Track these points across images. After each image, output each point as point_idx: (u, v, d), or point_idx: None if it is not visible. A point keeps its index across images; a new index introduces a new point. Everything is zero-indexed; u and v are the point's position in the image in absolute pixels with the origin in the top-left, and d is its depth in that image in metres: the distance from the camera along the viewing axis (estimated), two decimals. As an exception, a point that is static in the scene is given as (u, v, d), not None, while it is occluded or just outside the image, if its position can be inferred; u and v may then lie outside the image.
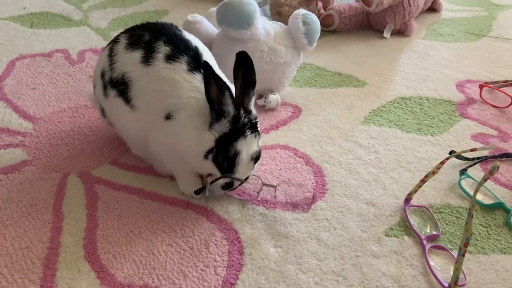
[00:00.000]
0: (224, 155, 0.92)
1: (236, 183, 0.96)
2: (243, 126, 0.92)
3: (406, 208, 1.00)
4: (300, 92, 1.45)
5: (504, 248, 0.92)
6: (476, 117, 1.34)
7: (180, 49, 0.97)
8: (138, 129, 1.02)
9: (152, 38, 0.99)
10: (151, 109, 0.97)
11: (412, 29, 1.83)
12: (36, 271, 0.87)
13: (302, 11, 1.36)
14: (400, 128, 1.28)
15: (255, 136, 0.94)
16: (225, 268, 0.87)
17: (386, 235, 0.95)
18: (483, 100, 1.41)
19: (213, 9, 1.54)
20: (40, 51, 1.67)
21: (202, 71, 0.95)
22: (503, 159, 1.15)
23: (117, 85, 1.00)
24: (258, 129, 0.96)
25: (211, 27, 1.44)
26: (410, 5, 1.79)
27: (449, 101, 1.41)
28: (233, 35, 1.29)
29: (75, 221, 0.97)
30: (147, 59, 0.97)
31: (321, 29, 1.83)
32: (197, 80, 0.95)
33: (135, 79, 0.98)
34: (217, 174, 0.95)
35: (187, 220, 0.98)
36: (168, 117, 0.95)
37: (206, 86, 0.89)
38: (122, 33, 1.06)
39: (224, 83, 0.88)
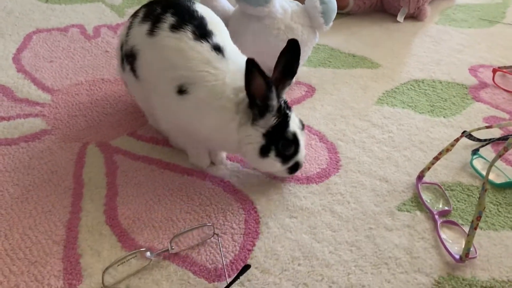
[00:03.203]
0: (285, 142, 0.92)
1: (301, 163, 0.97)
2: (284, 110, 0.92)
3: (419, 184, 1.02)
4: (314, 72, 1.47)
5: (514, 225, 0.95)
6: (489, 100, 1.35)
7: (185, 19, 0.94)
8: (145, 101, 1.04)
9: (161, 10, 0.97)
10: (156, 80, 0.96)
11: (425, 13, 1.83)
12: (59, 233, 0.89)
13: (319, -10, 1.36)
14: (413, 109, 1.29)
15: (292, 111, 0.95)
16: (242, 235, 0.90)
17: (398, 210, 0.97)
18: (496, 84, 1.42)
19: (230, -14, 1.55)
20: (56, 26, 1.68)
21: (208, 40, 0.92)
22: (515, 141, 1.17)
23: (128, 58, 1.01)
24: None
25: (227, 4, 1.45)
26: (425, -11, 1.79)
27: (462, 85, 1.42)
28: (251, 12, 1.30)
29: (95, 187, 1.00)
30: (152, 30, 0.95)
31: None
32: (206, 50, 0.92)
33: (141, 51, 0.97)
34: (276, 167, 0.95)
35: (205, 190, 1.00)
36: (181, 91, 0.91)
37: (248, 82, 0.84)
38: (142, 7, 1.06)
39: (269, 78, 0.85)
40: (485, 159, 1.09)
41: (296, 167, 0.97)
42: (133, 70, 1.00)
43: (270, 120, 0.90)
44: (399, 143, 1.16)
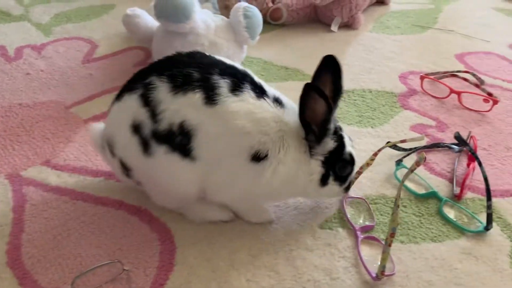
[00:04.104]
0: (342, 165, 0.88)
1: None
2: (339, 131, 0.89)
3: (343, 200, 1.00)
4: (245, 87, 1.44)
5: (435, 237, 0.94)
6: (417, 108, 1.36)
7: (237, 77, 0.83)
8: (193, 182, 0.86)
9: (202, 74, 0.82)
10: (221, 154, 0.83)
11: (359, 22, 1.84)
12: (-48, 280, 0.82)
13: (243, 4, 1.34)
14: (341, 120, 1.28)
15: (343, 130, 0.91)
16: (155, 269, 0.85)
17: (320, 228, 0.95)
18: (424, 91, 1.43)
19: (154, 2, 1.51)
20: (-25, 48, 1.59)
21: (267, 94, 0.84)
22: (439, 148, 1.17)
23: (170, 138, 0.81)
24: None
25: (151, 21, 1.41)
26: (356, -2, 1.81)
27: (391, 93, 1.42)
28: (172, 28, 1.27)
29: (-1, 225, 0.93)
30: (210, 98, 0.80)
31: (270, 23, 1.84)
32: (271, 106, 0.84)
33: (201, 125, 0.80)
34: (335, 191, 0.91)
35: (119, 221, 0.95)
36: (258, 158, 0.82)
37: (305, 109, 0.81)
38: (146, 74, 0.85)
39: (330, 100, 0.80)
40: (408, 169, 1.09)
41: (350, 184, 0.94)
42: (186, 151, 0.82)
43: (329, 144, 0.86)
44: (325, 157, 1.14)
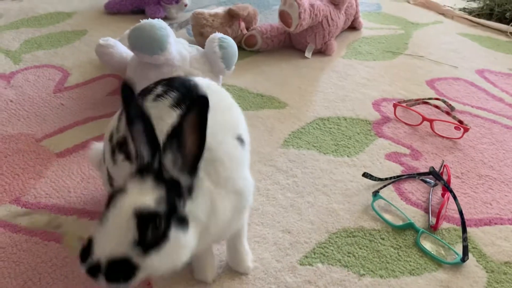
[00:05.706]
0: None
1: None
2: None
3: None
4: (221, 116, 1.43)
5: (413, 269, 0.94)
6: (391, 135, 1.38)
7: (173, 86, 0.81)
8: None
9: (153, 85, 0.85)
10: None
11: (332, 48, 1.88)
12: None
13: (218, 35, 1.34)
14: (318, 149, 1.29)
15: None
16: (132, 314, 0.82)
17: (300, 264, 0.94)
18: (398, 118, 1.46)
19: (128, 31, 1.49)
20: None
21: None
22: (415, 178, 1.19)
23: (122, 146, 0.83)
24: None
25: (125, 51, 1.40)
26: (329, 25, 1.84)
27: (366, 121, 1.44)
28: (146, 60, 1.25)
29: (-36, 272, 0.88)
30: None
31: (244, 50, 1.85)
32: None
33: None
34: None
35: (93, 262, 0.91)
36: None
37: None
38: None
39: None
40: (385, 200, 1.10)
41: None
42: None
43: None
44: (302, 188, 1.14)
